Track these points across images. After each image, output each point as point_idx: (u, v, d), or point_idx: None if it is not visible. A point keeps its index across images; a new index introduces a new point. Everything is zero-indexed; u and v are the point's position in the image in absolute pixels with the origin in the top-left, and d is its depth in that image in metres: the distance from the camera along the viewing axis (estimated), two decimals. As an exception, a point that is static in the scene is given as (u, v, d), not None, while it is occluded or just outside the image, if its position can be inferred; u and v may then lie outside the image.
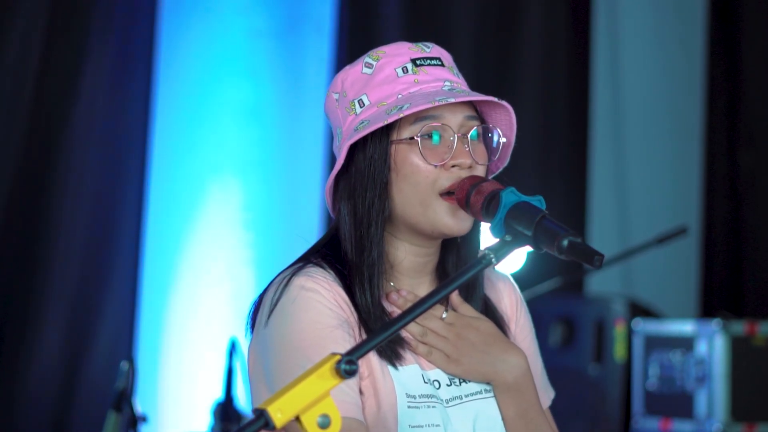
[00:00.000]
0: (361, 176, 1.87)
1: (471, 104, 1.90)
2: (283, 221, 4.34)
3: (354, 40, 4.53)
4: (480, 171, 1.88)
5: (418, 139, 1.85)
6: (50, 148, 3.88)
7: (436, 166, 1.85)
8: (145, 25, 4.12)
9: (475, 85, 1.94)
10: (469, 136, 1.87)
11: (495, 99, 1.88)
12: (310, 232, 4.25)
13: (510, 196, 1.74)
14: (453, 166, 1.85)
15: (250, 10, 4.38)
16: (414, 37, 2.06)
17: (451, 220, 1.85)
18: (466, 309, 1.93)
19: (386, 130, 1.86)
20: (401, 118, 1.85)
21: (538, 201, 1.73)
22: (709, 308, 5.33)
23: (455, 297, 1.93)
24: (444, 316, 1.91)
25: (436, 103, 1.82)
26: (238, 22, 4.35)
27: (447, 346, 1.89)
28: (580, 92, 5.30)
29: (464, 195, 1.82)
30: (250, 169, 4.33)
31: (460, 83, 1.92)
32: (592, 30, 5.35)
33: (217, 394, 3.43)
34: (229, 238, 4.26)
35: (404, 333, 1.89)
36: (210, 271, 4.21)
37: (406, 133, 1.86)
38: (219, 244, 4.25)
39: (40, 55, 3.84)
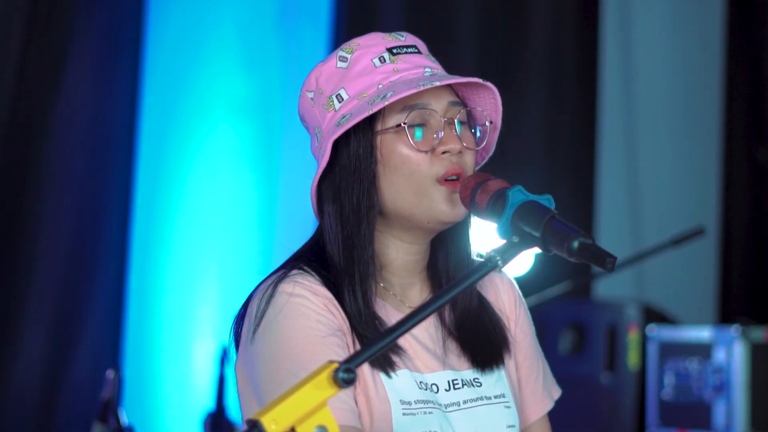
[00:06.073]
0: (347, 173, 1.87)
1: (453, 89, 1.92)
2: (279, 221, 4.33)
3: (353, 28, 4.52)
4: (469, 156, 1.89)
5: (405, 126, 1.86)
6: (32, 144, 3.88)
7: (426, 152, 1.86)
8: (132, 12, 4.12)
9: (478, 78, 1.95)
10: (456, 120, 1.88)
11: (479, 80, 1.89)
12: (308, 232, 4.24)
13: (517, 195, 1.73)
14: (444, 153, 1.86)
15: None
16: (415, 25, 2.06)
17: (447, 207, 1.86)
18: None
19: (370, 122, 1.87)
20: (385, 108, 1.86)
21: (547, 200, 1.73)
22: (727, 313, 5.33)
23: None
24: None
25: (421, 88, 1.83)
26: (229, 10, 4.34)
27: None
28: (589, 86, 5.29)
29: (469, 193, 1.82)
30: (243, 166, 4.33)
31: (439, 69, 1.94)
32: (603, 20, 5.35)
33: (208, 403, 3.43)
34: (220, 239, 4.26)
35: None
36: (200, 274, 4.21)
37: (391, 122, 1.87)
38: (210, 246, 4.24)
39: (21, 44, 3.83)
